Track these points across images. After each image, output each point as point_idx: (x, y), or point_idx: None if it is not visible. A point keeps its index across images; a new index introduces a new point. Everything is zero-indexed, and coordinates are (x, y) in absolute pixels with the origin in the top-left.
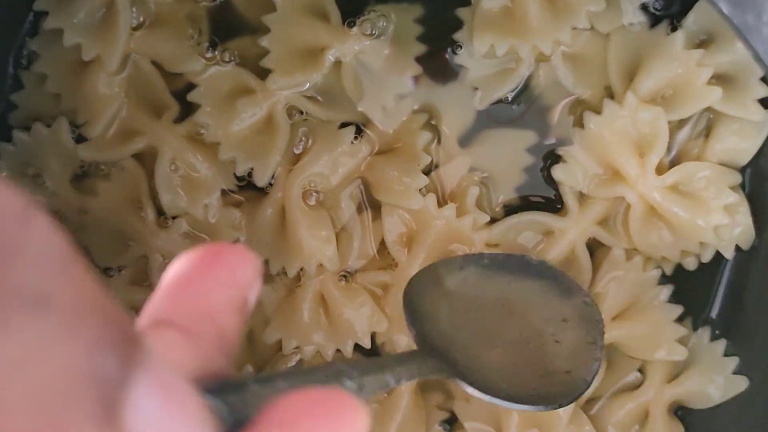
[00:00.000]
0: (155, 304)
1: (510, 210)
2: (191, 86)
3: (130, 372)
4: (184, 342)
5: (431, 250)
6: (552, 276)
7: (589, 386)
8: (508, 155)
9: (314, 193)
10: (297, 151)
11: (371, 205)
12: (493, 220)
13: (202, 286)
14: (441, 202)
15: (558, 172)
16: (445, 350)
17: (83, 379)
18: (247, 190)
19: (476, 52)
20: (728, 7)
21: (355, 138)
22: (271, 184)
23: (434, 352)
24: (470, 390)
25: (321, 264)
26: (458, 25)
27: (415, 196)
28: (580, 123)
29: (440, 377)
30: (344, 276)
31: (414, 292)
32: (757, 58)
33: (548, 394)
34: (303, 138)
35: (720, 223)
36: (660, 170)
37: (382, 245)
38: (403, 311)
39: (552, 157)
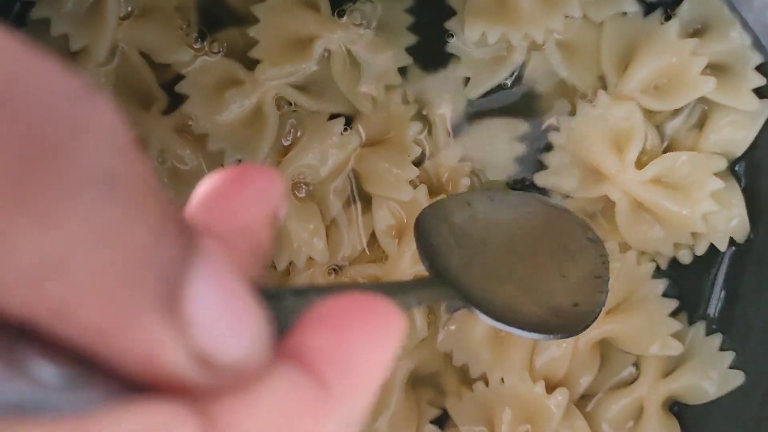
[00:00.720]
0: (190, 217)
1: None
2: (179, 78)
3: (190, 262)
4: (223, 252)
5: None
6: (557, 213)
7: (596, 317)
8: (499, 145)
9: (303, 186)
10: (286, 143)
11: (361, 197)
12: None
13: (236, 202)
14: (432, 194)
15: (540, 178)
16: (456, 281)
17: (147, 264)
18: None
19: (468, 40)
20: None
21: (345, 130)
22: None
23: (447, 281)
24: (484, 317)
25: (310, 257)
26: (450, 14)
27: (405, 188)
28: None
29: (455, 303)
30: (334, 270)
31: (424, 226)
32: (747, 28)
33: (557, 325)
34: (292, 129)
35: (708, 210)
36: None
37: (372, 238)
38: (415, 239)
39: (545, 146)
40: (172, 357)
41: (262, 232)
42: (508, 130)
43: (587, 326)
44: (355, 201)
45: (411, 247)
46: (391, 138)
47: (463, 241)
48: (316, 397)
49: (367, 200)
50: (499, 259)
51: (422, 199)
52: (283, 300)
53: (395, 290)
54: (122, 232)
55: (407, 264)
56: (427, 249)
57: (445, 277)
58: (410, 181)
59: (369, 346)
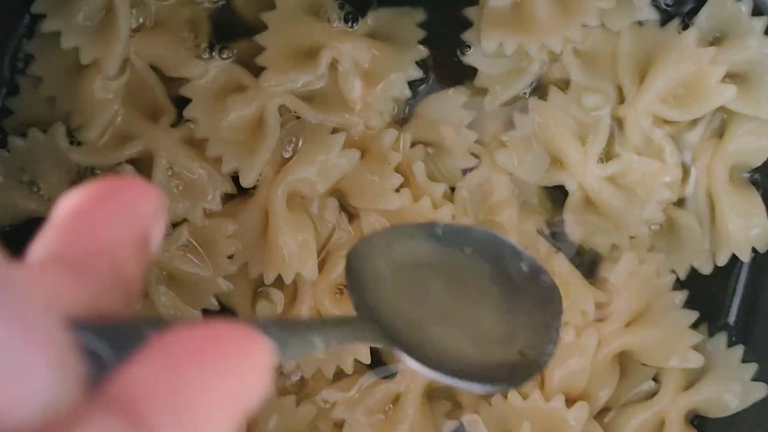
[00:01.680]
0: (44, 241)
1: None
2: None
3: None
4: (72, 279)
5: None
6: (510, 251)
7: (541, 368)
8: (447, 120)
9: (300, 199)
10: (286, 155)
11: (345, 209)
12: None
13: (96, 221)
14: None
15: (501, 155)
16: (387, 319)
17: None
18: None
19: (484, 51)
20: None
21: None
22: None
23: (373, 319)
24: (410, 363)
25: (299, 274)
26: (465, 25)
27: (392, 197)
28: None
29: (378, 344)
30: (339, 290)
31: (358, 257)
32: None
33: (498, 375)
34: (293, 141)
35: (652, 218)
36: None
37: None
38: (345, 274)
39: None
40: None
41: (125, 255)
42: (451, 102)
43: (531, 378)
44: (348, 216)
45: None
46: (369, 149)
47: (402, 274)
48: None
49: (352, 215)
50: (441, 296)
51: (407, 203)
52: (139, 329)
53: (302, 329)
54: None
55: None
56: (356, 282)
57: (374, 314)
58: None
59: (207, 382)
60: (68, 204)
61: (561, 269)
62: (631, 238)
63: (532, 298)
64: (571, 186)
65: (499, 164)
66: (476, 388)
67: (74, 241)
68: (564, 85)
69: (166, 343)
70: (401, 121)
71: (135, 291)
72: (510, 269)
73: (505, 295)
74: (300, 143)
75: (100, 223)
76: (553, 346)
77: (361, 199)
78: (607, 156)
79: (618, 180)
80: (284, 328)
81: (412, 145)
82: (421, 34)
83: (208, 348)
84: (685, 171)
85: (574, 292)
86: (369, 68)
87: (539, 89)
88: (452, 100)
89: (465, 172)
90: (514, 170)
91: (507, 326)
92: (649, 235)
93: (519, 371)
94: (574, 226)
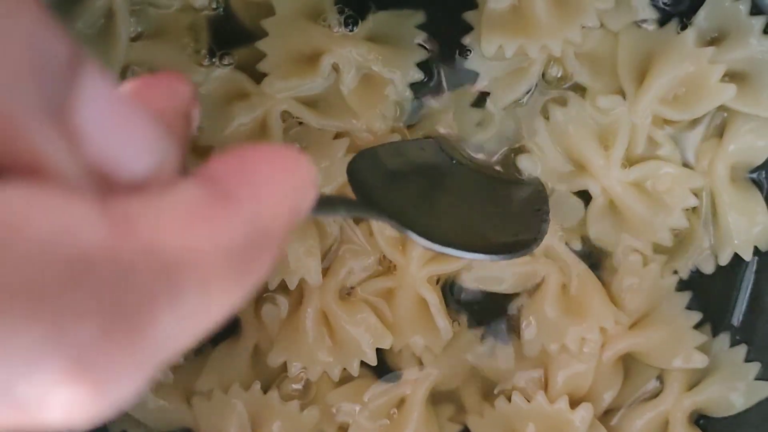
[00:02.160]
0: None
1: None
2: None
3: (78, 74)
4: None
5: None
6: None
7: (538, 244)
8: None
9: None
10: None
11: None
12: None
13: (149, 94)
14: None
15: (523, 161)
16: (390, 212)
17: (27, 69)
18: None
19: (485, 54)
20: None
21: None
22: None
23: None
24: (421, 240)
25: (303, 279)
26: (465, 29)
27: None
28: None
29: (391, 222)
30: (348, 293)
31: (357, 168)
32: None
33: (498, 248)
34: (295, 145)
35: (677, 225)
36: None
37: (379, 251)
38: (348, 181)
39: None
40: (61, 171)
41: (176, 119)
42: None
43: (529, 249)
44: (356, 222)
45: (415, 252)
46: None
47: (396, 182)
48: (222, 203)
49: (356, 220)
50: (435, 199)
51: None
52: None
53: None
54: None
55: (416, 268)
56: (359, 185)
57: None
58: None
59: (276, 170)
60: (124, 89)
61: (587, 285)
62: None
63: (518, 190)
64: (594, 190)
65: (521, 168)
66: (481, 257)
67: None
68: (564, 84)
69: (236, 151)
70: (405, 124)
71: (182, 156)
72: (493, 171)
73: (494, 192)
74: (303, 148)
75: (152, 96)
76: (546, 225)
77: None
78: (627, 160)
79: (642, 185)
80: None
81: None
82: (420, 35)
83: (274, 153)
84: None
85: (597, 311)
86: (370, 72)
87: (551, 93)
88: (460, 102)
89: None
90: (538, 175)
91: (500, 216)
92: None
93: (517, 247)
94: (596, 232)
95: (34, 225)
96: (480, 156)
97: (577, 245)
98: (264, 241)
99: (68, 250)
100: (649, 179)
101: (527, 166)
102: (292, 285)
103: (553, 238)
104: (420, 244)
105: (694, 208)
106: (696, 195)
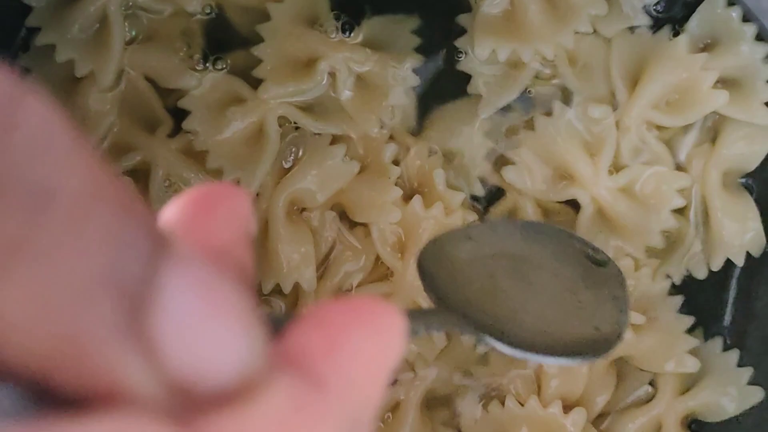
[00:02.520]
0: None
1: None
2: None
3: (158, 269)
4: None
5: None
6: (562, 237)
7: (620, 338)
8: (463, 127)
9: (300, 212)
10: (286, 166)
11: (347, 222)
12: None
13: (210, 224)
14: (412, 194)
15: (509, 173)
16: (467, 314)
17: (99, 281)
18: None
19: (478, 58)
20: None
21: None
22: (258, 194)
23: (457, 312)
24: (501, 347)
25: (297, 283)
26: (459, 33)
27: (392, 210)
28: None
29: (467, 332)
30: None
31: (427, 264)
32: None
33: (579, 349)
34: (293, 151)
35: (668, 226)
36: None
37: (374, 254)
38: (419, 278)
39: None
40: (140, 394)
41: (242, 251)
42: (466, 111)
43: (612, 348)
44: (350, 227)
45: (413, 258)
46: (369, 164)
47: (469, 275)
48: (314, 400)
49: (354, 225)
50: (509, 287)
51: (418, 209)
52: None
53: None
54: (64, 248)
55: (413, 276)
56: (432, 285)
57: (454, 307)
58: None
59: (366, 339)
60: (177, 211)
61: None
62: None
63: (597, 277)
64: (584, 200)
65: (507, 180)
66: (564, 362)
67: (198, 244)
68: (560, 93)
69: (325, 310)
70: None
71: (252, 283)
72: (567, 253)
73: (569, 278)
74: (300, 154)
75: (214, 225)
76: (625, 315)
77: (360, 213)
78: (615, 166)
79: (630, 190)
80: None
81: (430, 154)
82: (416, 41)
83: (359, 314)
84: None
85: None
86: (367, 77)
87: (539, 100)
88: (465, 110)
89: (490, 202)
90: (525, 187)
91: (578, 306)
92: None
93: (598, 345)
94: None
95: None
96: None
97: None
98: (359, 429)
99: None
100: (636, 183)
101: (513, 177)
102: (287, 289)
103: None
104: (500, 350)
105: (683, 210)
106: (684, 196)
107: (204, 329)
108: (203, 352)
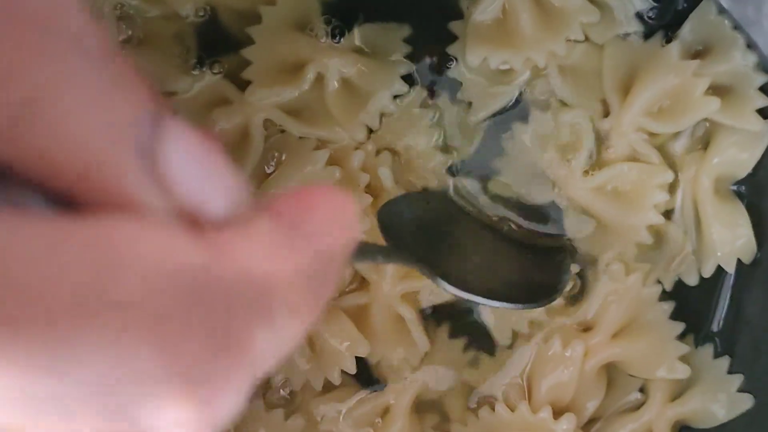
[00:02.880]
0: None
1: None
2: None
3: (161, 126)
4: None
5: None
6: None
7: (559, 293)
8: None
9: None
10: (268, 170)
11: None
12: None
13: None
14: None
15: (492, 185)
16: (419, 257)
17: (126, 126)
18: None
19: (469, 65)
20: (728, 1)
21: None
22: None
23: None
24: (450, 288)
25: None
26: (450, 39)
27: (361, 219)
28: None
29: (418, 269)
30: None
31: (386, 216)
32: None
33: (519, 297)
34: (275, 156)
35: (652, 222)
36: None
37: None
38: (378, 228)
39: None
40: (153, 209)
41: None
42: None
43: (550, 300)
44: None
45: (389, 268)
46: (342, 169)
47: (422, 229)
48: (292, 235)
49: None
50: (459, 245)
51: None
52: None
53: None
54: (93, 79)
55: (389, 285)
56: (389, 233)
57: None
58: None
59: (330, 207)
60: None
61: None
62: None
63: (544, 244)
64: (562, 202)
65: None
66: (505, 305)
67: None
68: (548, 101)
69: (296, 190)
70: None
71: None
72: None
73: (519, 243)
74: (283, 158)
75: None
76: (567, 276)
77: None
78: (600, 167)
79: (610, 189)
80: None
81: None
82: (406, 49)
83: (325, 194)
84: (672, 183)
85: None
86: (355, 82)
87: (522, 106)
88: (420, 118)
89: None
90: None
91: (523, 267)
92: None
93: (539, 295)
94: (578, 243)
95: (143, 249)
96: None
97: None
98: (331, 267)
99: (176, 274)
100: (614, 181)
101: (499, 189)
102: None
103: None
104: (449, 291)
105: (670, 212)
106: (671, 199)
107: (202, 167)
108: (203, 183)
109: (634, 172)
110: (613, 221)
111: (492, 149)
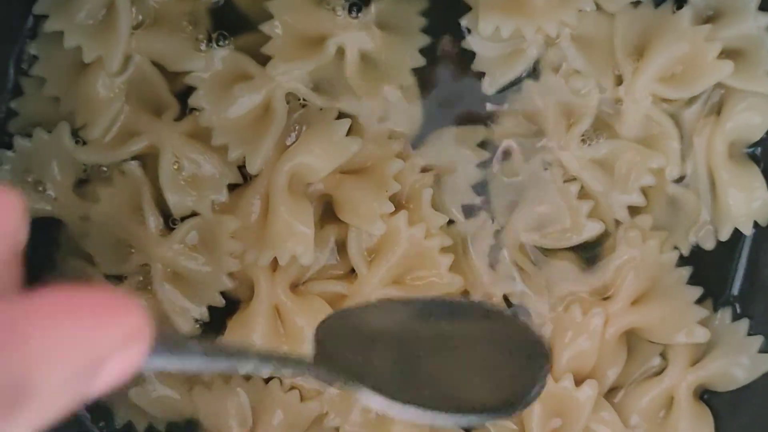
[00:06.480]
0: None
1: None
2: (192, 87)
3: None
4: None
5: (394, 266)
6: (487, 313)
7: (534, 397)
8: (460, 152)
9: (301, 187)
10: (289, 142)
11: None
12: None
13: None
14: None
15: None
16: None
17: None
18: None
19: (482, 35)
20: None
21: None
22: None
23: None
24: (374, 400)
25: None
26: (464, 10)
27: (377, 222)
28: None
29: (337, 382)
30: (297, 287)
31: (328, 331)
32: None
33: (476, 408)
34: (297, 127)
35: (634, 202)
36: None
37: (343, 251)
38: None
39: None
40: None
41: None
42: (467, 137)
43: (524, 406)
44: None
45: (382, 269)
46: (369, 169)
47: (378, 343)
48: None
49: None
50: (420, 357)
51: (402, 225)
52: None
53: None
54: None
55: (375, 285)
56: (326, 352)
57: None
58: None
59: (73, 323)
60: None
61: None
62: (617, 222)
63: (518, 352)
64: (550, 157)
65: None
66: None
67: None
68: (561, 68)
69: (44, 296)
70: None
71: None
72: (489, 329)
73: (486, 353)
74: (304, 128)
75: None
76: (540, 387)
77: (349, 214)
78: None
79: (603, 163)
80: (263, 358)
81: (423, 170)
82: (423, 22)
83: (85, 301)
84: (685, 148)
85: None
86: (373, 56)
87: (536, 76)
88: (466, 139)
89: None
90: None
91: (490, 379)
92: (633, 220)
93: (500, 408)
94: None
95: None
96: None
97: None
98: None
99: None
100: (610, 157)
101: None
102: (283, 261)
103: None
104: (379, 407)
105: (682, 180)
106: (654, 174)
107: None
108: None
109: (632, 152)
110: (597, 195)
111: None
